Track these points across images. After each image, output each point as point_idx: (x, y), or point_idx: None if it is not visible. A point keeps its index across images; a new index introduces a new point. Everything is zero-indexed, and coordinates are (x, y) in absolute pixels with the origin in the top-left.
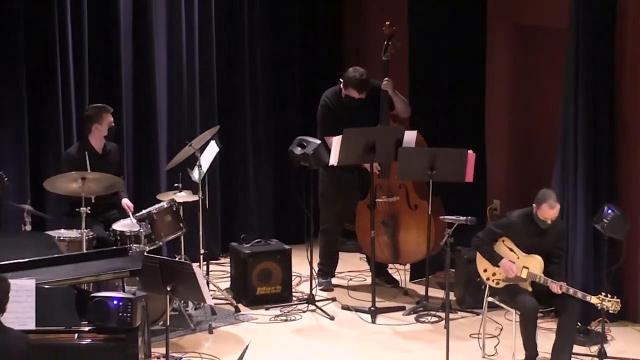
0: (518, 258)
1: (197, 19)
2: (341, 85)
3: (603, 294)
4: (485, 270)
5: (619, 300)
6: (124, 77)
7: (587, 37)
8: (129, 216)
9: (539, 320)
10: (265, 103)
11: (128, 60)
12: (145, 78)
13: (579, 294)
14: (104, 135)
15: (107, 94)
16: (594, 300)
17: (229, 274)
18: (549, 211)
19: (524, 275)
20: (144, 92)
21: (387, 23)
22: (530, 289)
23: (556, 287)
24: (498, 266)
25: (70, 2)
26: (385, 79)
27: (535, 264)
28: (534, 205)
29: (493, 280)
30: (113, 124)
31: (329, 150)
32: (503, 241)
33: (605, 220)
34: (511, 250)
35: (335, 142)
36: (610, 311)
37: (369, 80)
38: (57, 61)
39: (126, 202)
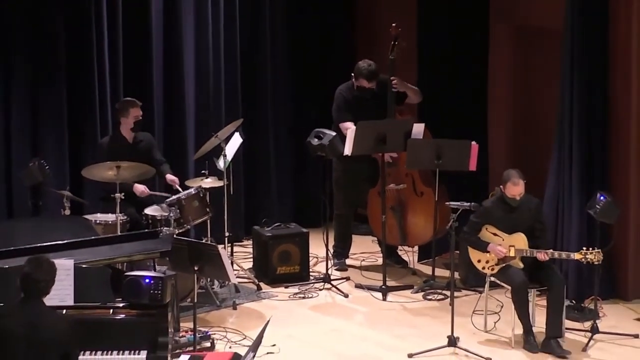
0: (503, 240)
1: (222, 20)
2: (353, 79)
3: (584, 248)
4: (479, 261)
5: (599, 250)
6: (155, 74)
7: (581, 37)
8: (171, 193)
9: (536, 298)
10: (284, 98)
11: (159, 59)
12: (175, 75)
13: (564, 255)
14: (130, 128)
15: (139, 90)
16: (577, 256)
17: (251, 255)
18: (513, 188)
19: (512, 253)
20: (174, 87)
21: (394, 25)
22: (521, 265)
23: (542, 255)
24: (488, 252)
25: (106, 4)
26: (392, 78)
27: (519, 241)
28: (501, 186)
29: (488, 268)
30: (140, 117)
31: (343, 141)
32: (486, 229)
33: (598, 207)
34: (495, 234)
35: (350, 134)
36: (595, 262)
37: (377, 71)
38: (94, 59)
39: (170, 176)
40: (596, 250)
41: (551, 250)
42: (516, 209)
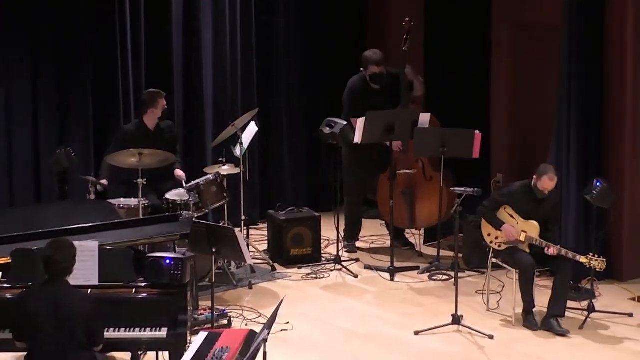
0: (517, 223)
1: (239, 15)
2: (363, 71)
3: (591, 254)
4: (489, 235)
5: (604, 259)
6: (175, 67)
7: (578, 34)
8: (181, 185)
9: (537, 279)
10: (298, 89)
11: (179, 53)
12: (194, 68)
13: (571, 255)
14: (158, 117)
15: (161, 82)
16: (583, 259)
17: (266, 238)
18: (548, 182)
19: (522, 238)
20: (193, 79)
21: (407, 19)
22: (527, 250)
23: (553, 249)
24: (500, 230)
25: (129, 3)
26: (408, 66)
27: (532, 229)
28: (534, 176)
29: (495, 244)
30: (166, 107)
31: (353, 130)
32: (505, 209)
33: (595, 192)
34: (511, 216)
35: (359, 123)
36: (597, 269)
37: (382, 56)
38: (117, 53)
39: (178, 172)
40: (601, 259)
41: (560, 248)
42: (540, 201)
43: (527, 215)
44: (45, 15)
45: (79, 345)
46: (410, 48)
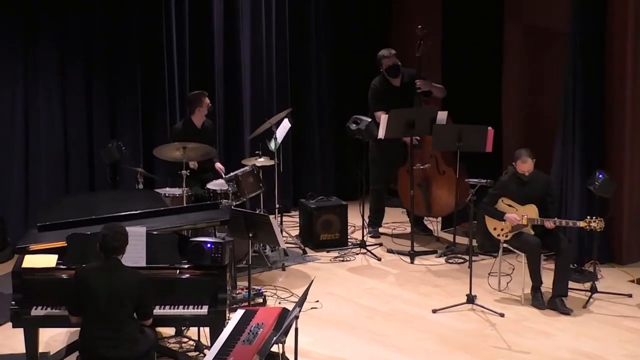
0: (517, 210)
1: (274, 19)
2: (380, 68)
3: (588, 217)
4: (494, 229)
5: (602, 219)
6: (216, 67)
7: (582, 37)
8: (221, 176)
9: (543, 263)
10: (327, 89)
11: (220, 56)
12: (233, 68)
13: (570, 223)
14: (205, 115)
15: (203, 83)
16: (581, 224)
17: (298, 224)
18: (522, 165)
19: (524, 221)
20: (232, 79)
21: (419, 26)
22: (532, 232)
23: (549, 223)
24: (504, 220)
25: (175, 7)
26: (417, 81)
27: (531, 211)
28: (513, 163)
29: (502, 235)
30: (210, 105)
31: (377, 126)
32: (502, 200)
33: (597, 183)
34: (510, 205)
35: (383, 120)
36: (598, 229)
37: (393, 50)
38: (164, 56)
39: (218, 165)
40: (599, 219)
41: (557, 219)
42: (527, 183)
43: (522, 199)
44: (100, 21)
45: (130, 318)
46: (428, 51)
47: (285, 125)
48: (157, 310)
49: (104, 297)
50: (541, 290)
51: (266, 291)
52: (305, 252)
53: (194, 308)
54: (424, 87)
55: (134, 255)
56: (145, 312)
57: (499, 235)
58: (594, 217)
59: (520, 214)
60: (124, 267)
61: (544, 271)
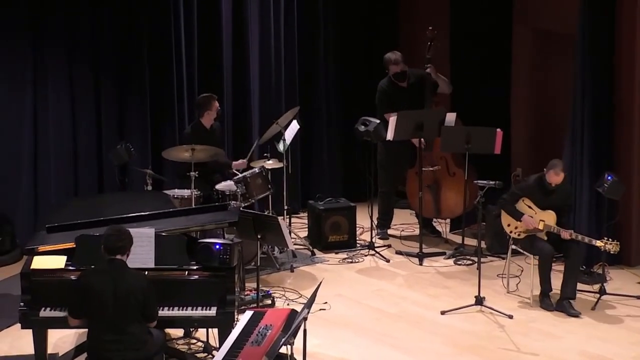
0: (536, 213)
1: (282, 22)
2: (387, 71)
3: (605, 238)
4: (508, 225)
5: (618, 242)
6: (225, 70)
7: (591, 39)
8: (232, 177)
9: (552, 265)
10: (335, 90)
11: (228, 58)
12: (241, 72)
13: (586, 240)
14: (214, 118)
15: (211, 84)
16: (598, 243)
17: (306, 225)
18: (553, 177)
19: (541, 227)
20: (241, 81)
21: (430, 28)
22: (545, 237)
23: (566, 234)
24: (520, 221)
25: (183, 9)
26: (428, 64)
27: (549, 217)
28: (545, 169)
29: (515, 233)
30: (219, 107)
31: (386, 127)
32: (523, 200)
33: (606, 185)
34: (530, 207)
35: (392, 121)
36: (612, 252)
37: (401, 55)
38: (172, 59)
39: (237, 162)
40: (615, 242)
41: (575, 233)
42: (552, 192)
43: (543, 205)
44: (108, 23)
45: (136, 320)
46: (437, 52)
47: (294, 127)
48: (166, 312)
49: (110, 300)
50: (550, 294)
51: (274, 292)
52: (313, 254)
53: (202, 309)
54: (433, 74)
55: (143, 256)
56: (150, 314)
57: (511, 232)
58: (610, 239)
59: (538, 219)
60: (128, 269)
61: (553, 274)
